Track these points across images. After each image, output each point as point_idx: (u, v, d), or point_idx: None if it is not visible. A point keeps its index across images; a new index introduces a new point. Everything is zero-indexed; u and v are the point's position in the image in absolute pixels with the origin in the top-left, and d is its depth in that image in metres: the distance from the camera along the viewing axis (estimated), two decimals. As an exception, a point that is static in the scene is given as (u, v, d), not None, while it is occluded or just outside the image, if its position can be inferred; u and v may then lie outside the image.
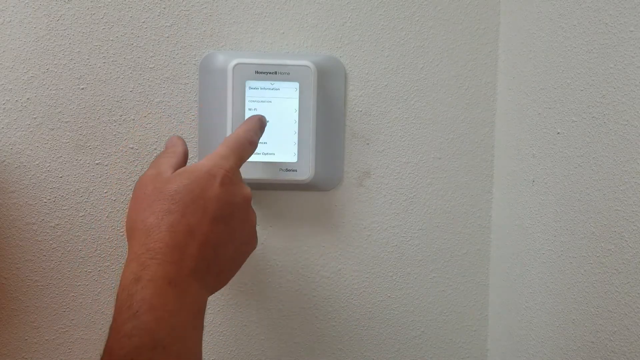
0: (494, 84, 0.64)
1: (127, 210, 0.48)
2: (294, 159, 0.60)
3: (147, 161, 0.61)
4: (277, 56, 0.61)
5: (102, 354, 0.40)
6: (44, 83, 0.60)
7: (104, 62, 0.60)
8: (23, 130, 0.60)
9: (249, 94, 0.59)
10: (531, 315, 0.59)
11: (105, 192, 0.61)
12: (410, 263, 0.66)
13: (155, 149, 0.61)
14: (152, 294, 0.41)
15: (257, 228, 0.63)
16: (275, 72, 0.59)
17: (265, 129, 0.59)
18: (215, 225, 0.46)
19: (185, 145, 0.54)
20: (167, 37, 0.61)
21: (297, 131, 0.60)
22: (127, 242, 0.46)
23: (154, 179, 0.47)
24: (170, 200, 0.45)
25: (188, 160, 0.54)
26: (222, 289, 0.64)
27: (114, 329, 0.40)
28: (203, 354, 0.64)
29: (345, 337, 0.66)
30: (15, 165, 0.60)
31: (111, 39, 0.60)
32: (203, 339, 0.64)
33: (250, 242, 0.52)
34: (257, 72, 0.59)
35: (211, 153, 0.49)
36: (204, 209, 0.45)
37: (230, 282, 0.64)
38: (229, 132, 0.59)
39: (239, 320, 0.65)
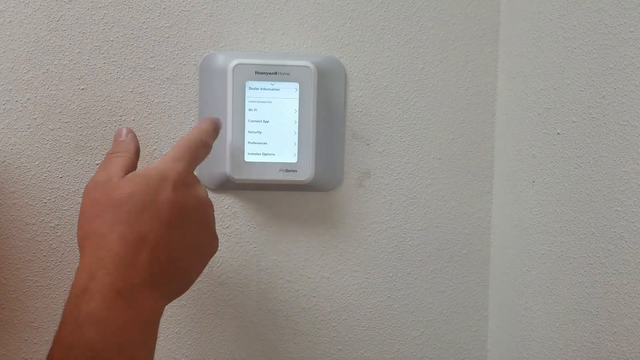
0: (494, 85, 0.64)
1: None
2: (294, 159, 0.60)
3: (147, 162, 0.61)
4: (277, 56, 0.61)
5: None
6: (44, 83, 0.60)
7: (104, 63, 0.60)
8: (23, 131, 0.60)
9: (249, 94, 0.59)
10: (531, 315, 0.59)
11: (106, 193, 0.61)
12: (410, 263, 0.66)
13: (155, 149, 0.61)
14: (99, 306, 0.39)
15: (257, 228, 0.64)
16: (276, 73, 0.59)
17: (266, 129, 0.59)
18: (170, 231, 0.44)
19: (137, 141, 0.51)
20: (167, 38, 0.61)
21: (297, 131, 0.60)
22: (79, 252, 0.45)
23: (104, 184, 0.45)
24: (120, 207, 0.43)
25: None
26: (222, 289, 0.64)
27: (57, 340, 0.39)
28: (203, 354, 0.65)
29: (345, 337, 0.66)
30: (15, 165, 0.60)
31: (111, 39, 0.60)
32: (202, 339, 0.65)
33: (209, 245, 0.50)
34: (257, 73, 0.59)
35: (163, 156, 0.48)
36: (157, 215, 0.44)
37: (230, 282, 0.64)
38: (229, 133, 0.59)
39: (239, 321, 0.65)
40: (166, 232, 0.44)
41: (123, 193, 0.44)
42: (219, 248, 0.63)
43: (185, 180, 0.46)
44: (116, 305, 0.40)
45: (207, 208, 0.49)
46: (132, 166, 0.48)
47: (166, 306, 0.45)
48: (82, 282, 0.41)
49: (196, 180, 0.49)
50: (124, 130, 0.52)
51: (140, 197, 0.44)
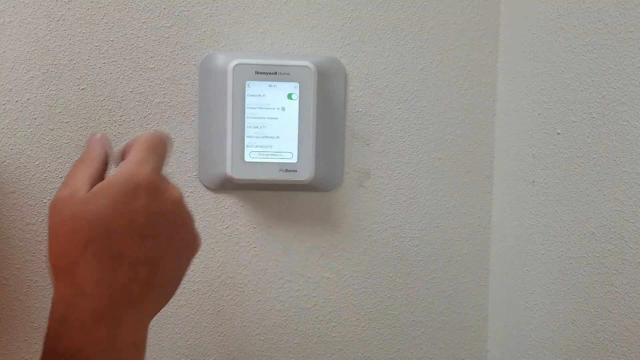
0: (494, 85, 0.64)
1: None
2: (294, 160, 0.60)
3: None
4: (277, 56, 0.61)
5: None
6: (44, 83, 0.60)
7: (104, 63, 0.60)
8: (23, 131, 0.60)
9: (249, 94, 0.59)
10: (531, 316, 0.59)
11: (106, 193, 0.61)
12: (410, 263, 0.66)
13: (155, 149, 0.61)
14: (80, 334, 0.38)
15: (257, 228, 0.64)
16: (275, 73, 0.59)
17: (266, 129, 0.59)
18: (147, 243, 0.41)
19: (104, 145, 0.45)
20: (167, 38, 0.61)
21: (297, 131, 0.60)
22: (52, 279, 0.41)
23: (68, 200, 0.41)
24: (90, 226, 0.39)
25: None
26: (222, 289, 0.64)
27: None
28: (203, 354, 0.65)
29: (345, 337, 0.66)
30: (15, 166, 0.60)
31: (111, 39, 0.60)
32: (202, 339, 0.64)
33: (189, 246, 0.45)
34: (257, 73, 0.59)
35: (125, 160, 0.42)
36: (131, 229, 0.40)
37: (230, 282, 0.64)
38: (229, 133, 0.59)
39: (239, 320, 0.65)
40: (143, 245, 0.41)
41: (91, 210, 0.39)
42: (219, 248, 0.63)
43: (156, 185, 0.42)
44: (97, 331, 0.38)
45: (182, 210, 0.44)
46: (99, 176, 0.43)
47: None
48: (60, 312, 0.39)
49: (167, 181, 0.44)
50: (97, 135, 0.46)
51: (111, 211, 0.39)
